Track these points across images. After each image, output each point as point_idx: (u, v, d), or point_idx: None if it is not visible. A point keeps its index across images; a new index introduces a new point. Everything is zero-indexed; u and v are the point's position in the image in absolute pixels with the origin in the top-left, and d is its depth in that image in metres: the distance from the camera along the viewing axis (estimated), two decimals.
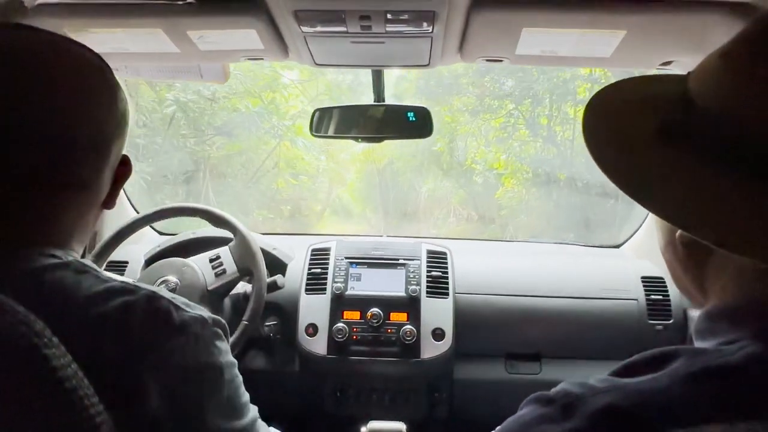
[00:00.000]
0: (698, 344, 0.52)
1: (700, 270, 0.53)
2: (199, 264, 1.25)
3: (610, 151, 0.52)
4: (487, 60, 1.08)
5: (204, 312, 0.60)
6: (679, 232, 0.52)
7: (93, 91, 0.58)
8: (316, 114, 1.32)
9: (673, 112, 0.50)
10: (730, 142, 0.45)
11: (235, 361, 0.63)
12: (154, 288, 0.58)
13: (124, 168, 0.65)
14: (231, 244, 1.29)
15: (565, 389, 0.49)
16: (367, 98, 1.27)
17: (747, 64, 0.45)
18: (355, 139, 1.32)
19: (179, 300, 0.58)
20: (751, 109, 0.44)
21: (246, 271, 1.27)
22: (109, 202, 0.65)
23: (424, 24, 0.89)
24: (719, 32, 0.88)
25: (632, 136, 0.52)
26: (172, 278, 1.19)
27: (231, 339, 1.19)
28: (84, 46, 0.59)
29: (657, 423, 0.42)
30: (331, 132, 1.30)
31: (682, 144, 0.48)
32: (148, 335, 0.53)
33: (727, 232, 0.43)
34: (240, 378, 0.64)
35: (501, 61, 1.07)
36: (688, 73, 0.52)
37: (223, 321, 0.62)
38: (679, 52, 0.99)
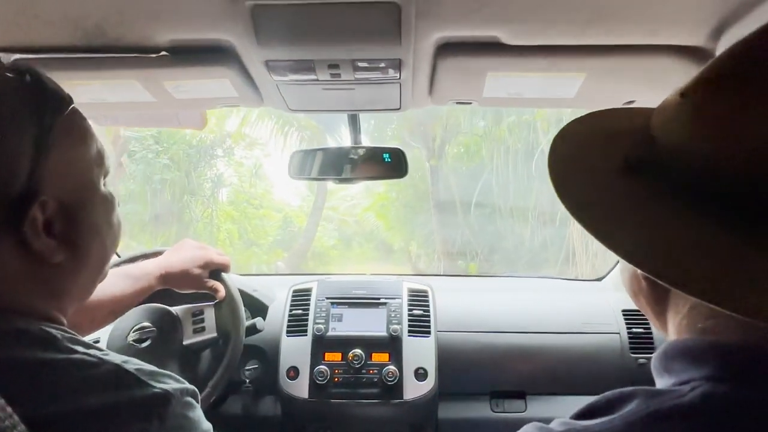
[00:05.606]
0: (657, 382, 0.53)
1: (661, 305, 0.55)
2: (180, 315, 1.22)
3: (572, 187, 0.53)
4: (457, 102, 1.11)
5: (171, 383, 0.56)
6: None
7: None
8: (295, 156, 1.33)
9: (636, 148, 0.52)
10: (688, 179, 0.46)
11: (210, 427, 0.60)
12: (119, 360, 0.54)
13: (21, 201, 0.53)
14: (217, 303, 1.25)
15: None
16: None
17: (704, 104, 0.46)
18: (333, 180, 1.34)
19: (146, 371, 0.55)
20: (709, 148, 0.44)
21: (225, 336, 1.23)
22: (29, 248, 0.53)
23: (391, 71, 0.92)
24: (675, 74, 0.91)
25: (595, 172, 0.53)
26: (150, 326, 1.17)
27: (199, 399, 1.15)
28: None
29: None
30: (308, 174, 1.31)
31: (642, 181, 0.49)
32: (111, 418, 0.50)
33: (679, 273, 0.43)
34: None
35: (470, 103, 1.11)
36: (653, 109, 0.53)
37: (193, 388, 0.59)
38: (640, 92, 1.02)
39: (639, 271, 0.53)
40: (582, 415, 0.50)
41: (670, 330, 0.55)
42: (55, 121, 0.55)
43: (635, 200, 0.49)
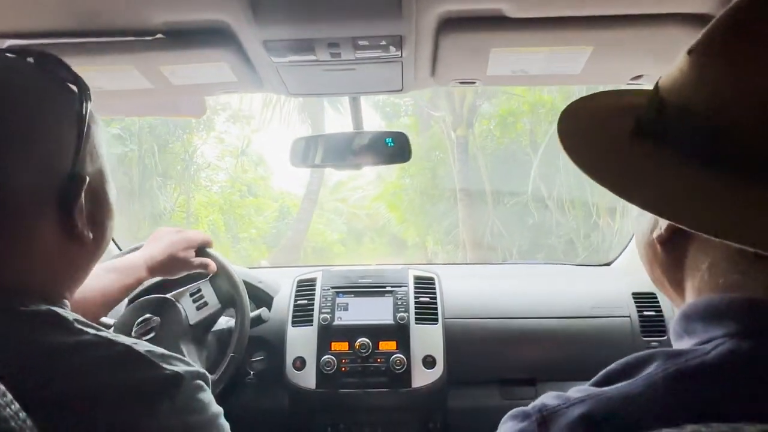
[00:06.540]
0: (675, 345, 0.51)
1: (678, 269, 0.54)
2: (179, 299, 1.23)
3: (587, 152, 0.53)
4: (460, 83, 1.09)
5: (182, 366, 0.55)
6: (656, 232, 0.52)
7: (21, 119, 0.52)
8: (296, 144, 1.31)
9: (646, 112, 0.51)
10: (701, 136, 0.45)
11: (221, 411, 0.59)
12: (129, 342, 0.53)
13: (71, 184, 0.54)
14: (211, 276, 1.27)
15: (542, 402, 0.48)
16: None
17: (710, 59, 0.45)
18: (336, 167, 1.32)
19: (157, 353, 0.54)
20: (716, 103, 0.44)
21: (229, 302, 1.25)
22: (72, 228, 0.55)
23: (392, 49, 0.90)
24: (684, 45, 0.89)
25: (608, 136, 0.54)
26: (151, 316, 1.16)
27: (217, 374, 1.17)
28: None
29: (633, 428, 0.41)
30: (310, 162, 1.30)
31: (657, 141, 0.49)
32: (120, 397, 0.50)
33: (700, 217, 0.43)
34: (227, 426, 0.61)
35: (474, 83, 1.08)
36: (660, 77, 0.54)
37: (203, 371, 0.58)
38: (649, 66, 1.00)
39: (654, 235, 0.53)
40: (600, 382, 0.48)
41: (688, 295, 0.54)
42: (88, 106, 0.57)
43: (650, 161, 0.49)
